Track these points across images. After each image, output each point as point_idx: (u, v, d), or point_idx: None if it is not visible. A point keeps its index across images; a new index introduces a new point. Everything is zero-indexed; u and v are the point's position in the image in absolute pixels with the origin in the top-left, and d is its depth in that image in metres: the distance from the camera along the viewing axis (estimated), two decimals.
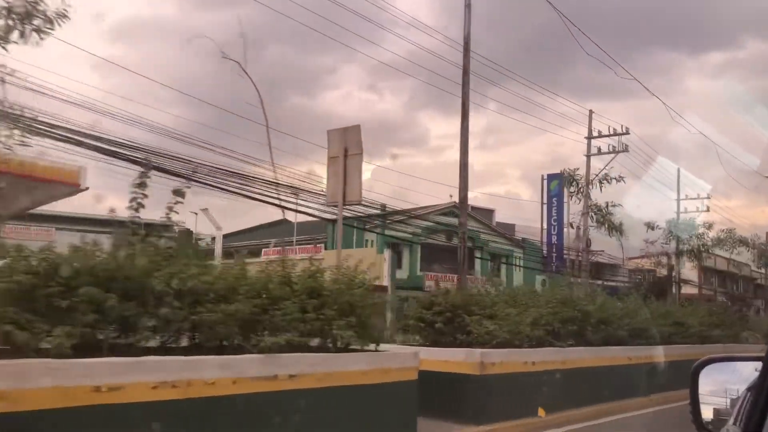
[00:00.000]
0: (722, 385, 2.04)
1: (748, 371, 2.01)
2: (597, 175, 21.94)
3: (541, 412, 8.97)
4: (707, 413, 2.01)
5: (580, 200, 21.17)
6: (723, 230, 27.93)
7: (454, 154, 24.85)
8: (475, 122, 66.31)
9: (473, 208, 31.05)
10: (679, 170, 27.72)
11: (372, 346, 6.77)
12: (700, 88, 71.45)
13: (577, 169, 21.77)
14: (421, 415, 7.24)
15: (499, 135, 69.47)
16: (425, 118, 74.57)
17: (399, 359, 7.13)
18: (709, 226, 27.80)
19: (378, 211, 21.45)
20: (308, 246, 27.60)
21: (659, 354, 12.53)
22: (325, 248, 25.16)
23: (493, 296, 10.51)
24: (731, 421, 1.98)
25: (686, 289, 32.95)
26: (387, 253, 21.87)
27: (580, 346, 10.60)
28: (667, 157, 25.80)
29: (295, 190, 15.85)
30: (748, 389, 1.98)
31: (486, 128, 71.66)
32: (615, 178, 18.17)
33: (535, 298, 10.95)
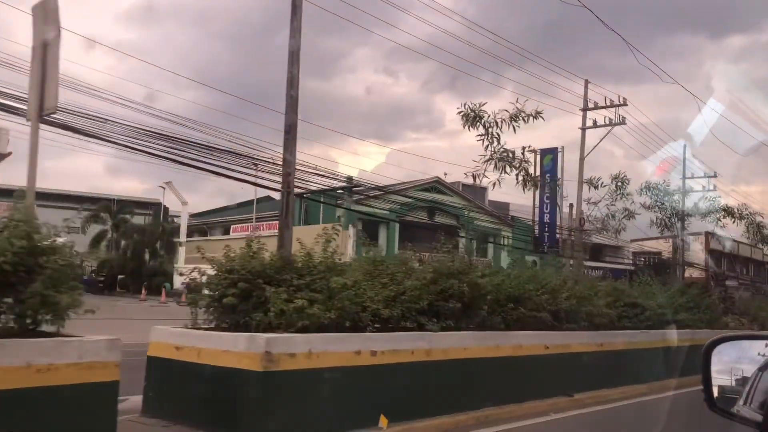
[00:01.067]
0: (734, 363, 2.05)
1: (760, 350, 2.03)
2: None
3: (383, 421, 6.89)
4: (720, 393, 2.02)
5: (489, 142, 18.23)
6: (705, 197, 26.66)
7: (470, 138, 24.78)
8: (492, 106, 67.74)
9: (464, 185, 30.96)
10: (684, 146, 27.59)
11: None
12: (721, 72, 72.60)
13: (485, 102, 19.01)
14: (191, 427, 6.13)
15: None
16: (441, 102, 75.56)
17: (77, 350, 4.85)
18: (712, 200, 27.24)
19: (347, 186, 20.88)
20: (275, 222, 27.58)
21: (593, 341, 11.25)
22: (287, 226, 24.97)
23: (329, 260, 7.50)
24: (742, 400, 1.99)
25: (694, 273, 33.12)
26: (351, 229, 21.59)
27: (471, 329, 8.67)
28: (686, 141, 25.55)
29: (254, 162, 15.09)
30: (761, 368, 2.00)
31: (502, 112, 71.92)
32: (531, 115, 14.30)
33: (410, 270, 8.84)
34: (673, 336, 13.73)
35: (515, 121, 13.67)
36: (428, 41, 61.04)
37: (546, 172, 23.63)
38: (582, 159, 22.21)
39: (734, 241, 35.78)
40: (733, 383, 2.06)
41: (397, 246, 25.96)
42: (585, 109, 22.68)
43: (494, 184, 14.83)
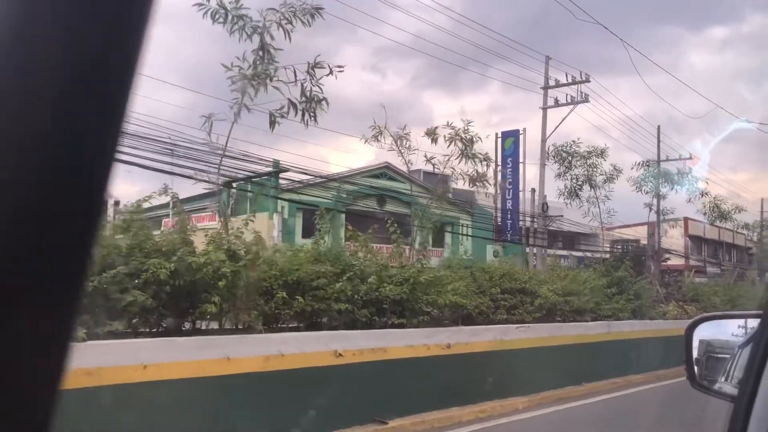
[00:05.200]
0: (715, 342, 2.39)
1: (740, 328, 2.38)
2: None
3: None
4: (700, 370, 2.36)
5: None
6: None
7: None
8: (479, 100, 71.75)
9: (425, 173, 31.16)
10: (659, 128, 28.65)
11: None
12: (704, 63, 77.37)
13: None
14: None
15: (505, 113, 72.54)
16: (430, 98, 77.08)
17: None
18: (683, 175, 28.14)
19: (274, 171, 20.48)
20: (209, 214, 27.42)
21: (432, 342, 9.49)
22: (220, 215, 24.83)
23: None
24: (723, 377, 2.34)
25: (673, 261, 34.08)
26: (276, 219, 21.40)
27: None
28: (671, 132, 27.03)
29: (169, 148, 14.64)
30: (740, 346, 2.35)
31: (490, 107, 73.89)
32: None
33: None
34: (569, 331, 12.83)
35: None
36: (416, 36, 62.85)
37: (507, 157, 24.14)
38: (543, 141, 22.83)
39: (714, 226, 37.12)
40: (714, 361, 2.40)
41: (344, 236, 25.96)
42: (546, 88, 23.26)
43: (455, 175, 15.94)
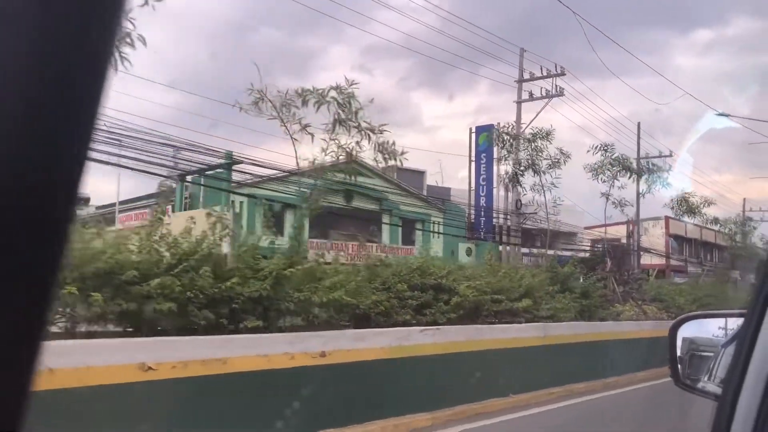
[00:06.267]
0: (698, 341, 2.45)
1: (723, 328, 2.44)
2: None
3: None
4: (684, 369, 2.42)
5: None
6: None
7: (449, 134, 24.33)
8: (468, 101, 72.04)
9: (400, 169, 31.17)
10: (639, 124, 28.99)
11: None
12: (690, 66, 79.48)
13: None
14: None
15: (494, 114, 73.74)
16: (419, 97, 78.51)
17: None
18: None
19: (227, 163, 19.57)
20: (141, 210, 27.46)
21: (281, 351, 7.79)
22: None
23: None
24: (706, 376, 2.39)
25: (653, 260, 34.26)
26: (229, 214, 21.17)
27: None
28: (661, 135, 26.91)
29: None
30: (723, 345, 2.41)
31: (478, 107, 74.71)
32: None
33: None
34: (494, 334, 11.31)
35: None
36: (406, 36, 63.62)
37: (481, 152, 24.19)
38: (517, 136, 22.87)
39: (696, 225, 37.42)
40: (698, 360, 2.46)
41: (308, 233, 25.75)
42: (520, 81, 23.45)
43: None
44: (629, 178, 24.07)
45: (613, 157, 23.42)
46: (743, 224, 37.58)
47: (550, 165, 20.41)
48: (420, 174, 29.88)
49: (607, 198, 23.98)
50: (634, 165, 24.81)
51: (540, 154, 20.25)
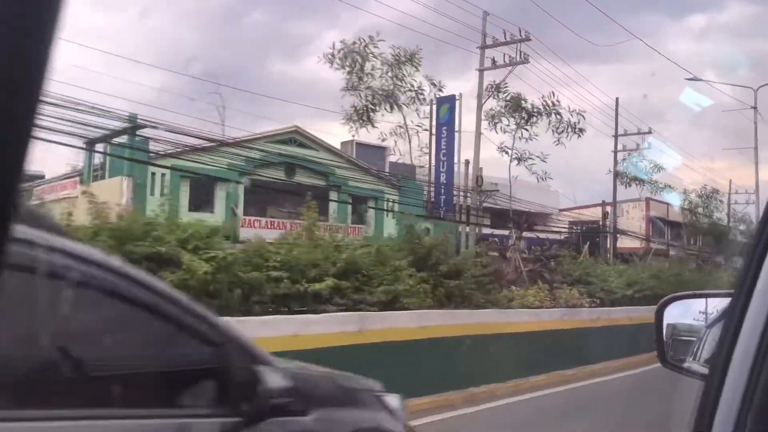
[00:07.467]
0: (685, 321, 2.48)
1: (710, 308, 2.46)
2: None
3: None
4: (670, 350, 2.45)
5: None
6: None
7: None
8: (460, 86, 71.16)
9: (359, 144, 30.39)
10: (617, 99, 28.98)
11: None
12: (684, 51, 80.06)
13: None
14: None
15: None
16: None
17: None
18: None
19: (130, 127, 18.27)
20: (68, 181, 26.73)
21: None
22: (81, 182, 24.00)
23: None
24: (692, 356, 2.43)
25: (632, 243, 34.44)
26: (126, 182, 20.24)
27: None
28: (653, 120, 26.74)
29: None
30: (708, 326, 2.44)
31: (470, 92, 75.61)
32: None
33: None
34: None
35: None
36: (398, 20, 64.42)
37: (442, 125, 23.64)
38: (480, 107, 22.61)
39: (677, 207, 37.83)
40: (683, 340, 2.49)
41: (242, 210, 25.05)
42: (483, 47, 22.63)
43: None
44: (531, 126, 23.31)
45: (507, 98, 23.11)
46: (708, 197, 38.20)
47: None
48: (381, 150, 29.37)
49: (507, 152, 23.48)
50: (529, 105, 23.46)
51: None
